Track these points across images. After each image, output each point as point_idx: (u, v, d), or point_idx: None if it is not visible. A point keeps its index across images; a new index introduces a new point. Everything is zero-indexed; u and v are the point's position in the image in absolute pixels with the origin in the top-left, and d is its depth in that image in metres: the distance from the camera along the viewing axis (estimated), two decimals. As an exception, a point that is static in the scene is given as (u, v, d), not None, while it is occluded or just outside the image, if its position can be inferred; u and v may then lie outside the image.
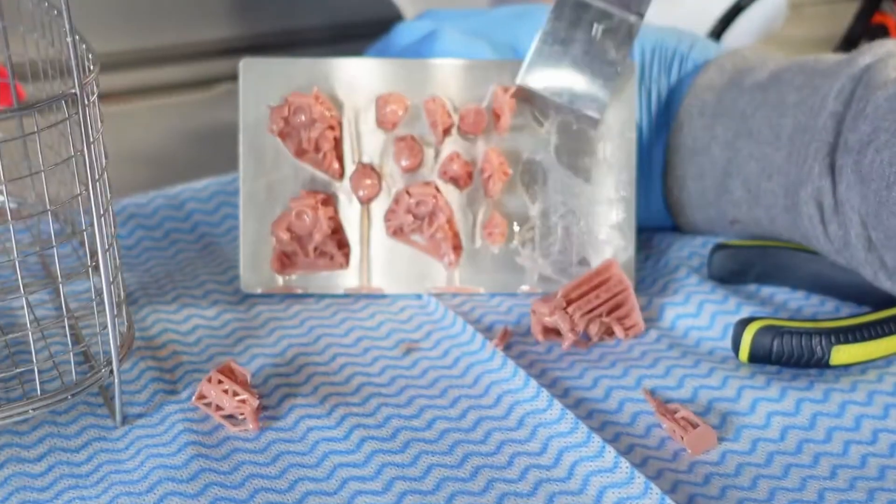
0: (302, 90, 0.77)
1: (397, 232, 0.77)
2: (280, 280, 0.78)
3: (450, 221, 0.77)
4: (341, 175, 0.78)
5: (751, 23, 1.03)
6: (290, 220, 0.76)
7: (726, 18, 0.97)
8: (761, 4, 1.03)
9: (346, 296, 0.78)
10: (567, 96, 0.76)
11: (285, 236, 0.77)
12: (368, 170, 0.78)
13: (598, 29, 0.75)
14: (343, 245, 0.78)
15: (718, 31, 0.97)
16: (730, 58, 0.81)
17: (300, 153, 0.77)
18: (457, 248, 0.77)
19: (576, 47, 0.76)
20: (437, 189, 0.77)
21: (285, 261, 0.78)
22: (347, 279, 0.78)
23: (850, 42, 0.95)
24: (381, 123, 0.77)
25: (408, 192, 0.76)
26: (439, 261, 0.77)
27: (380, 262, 0.78)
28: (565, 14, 0.76)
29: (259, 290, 0.78)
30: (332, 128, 0.77)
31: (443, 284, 0.78)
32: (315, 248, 0.77)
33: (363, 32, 0.96)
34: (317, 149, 0.77)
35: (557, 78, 0.76)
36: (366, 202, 0.78)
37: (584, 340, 0.74)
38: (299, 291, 0.78)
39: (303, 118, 0.76)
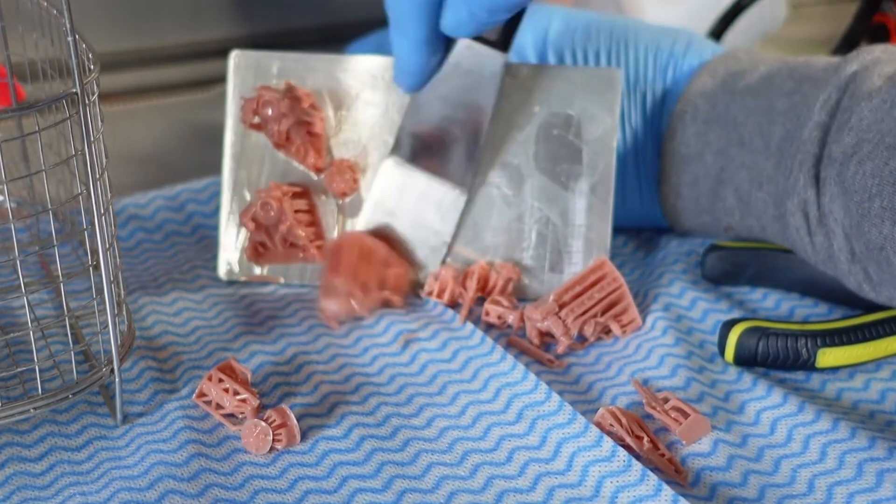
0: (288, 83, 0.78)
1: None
2: (256, 269, 0.78)
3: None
4: (319, 169, 0.78)
5: (751, 22, 1.03)
6: (255, 211, 0.77)
7: (726, 18, 0.97)
8: (761, 4, 1.03)
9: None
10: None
11: (251, 226, 0.77)
12: (345, 166, 0.78)
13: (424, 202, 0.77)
14: (318, 238, 0.78)
15: (718, 31, 0.97)
16: (722, 61, 0.80)
17: (278, 145, 0.78)
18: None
19: (403, 219, 0.77)
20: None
21: (260, 250, 0.78)
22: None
23: (850, 42, 0.95)
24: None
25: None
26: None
27: None
28: (391, 184, 0.77)
29: (231, 279, 0.78)
30: (306, 122, 0.77)
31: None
32: (284, 240, 0.78)
33: (362, 33, 0.96)
34: (289, 142, 0.77)
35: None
36: (340, 197, 0.78)
37: (580, 342, 0.74)
38: (281, 280, 0.78)
39: (270, 111, 0.77)
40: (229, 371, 0.68)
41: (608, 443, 0.63)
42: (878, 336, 0.70)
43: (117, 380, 0.65)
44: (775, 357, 0.70)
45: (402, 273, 0.77)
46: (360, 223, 0.78)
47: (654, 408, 0.66)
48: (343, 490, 0.62)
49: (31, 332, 0.64)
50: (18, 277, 0.64)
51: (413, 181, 0.77)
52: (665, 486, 0.60)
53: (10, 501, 0.62)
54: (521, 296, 0.77)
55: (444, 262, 0.77)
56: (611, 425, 0.65)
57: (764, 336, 0.70)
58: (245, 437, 0.65)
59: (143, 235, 0.84)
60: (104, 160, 0.64)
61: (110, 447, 0.65)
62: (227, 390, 0.67)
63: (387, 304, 0.75)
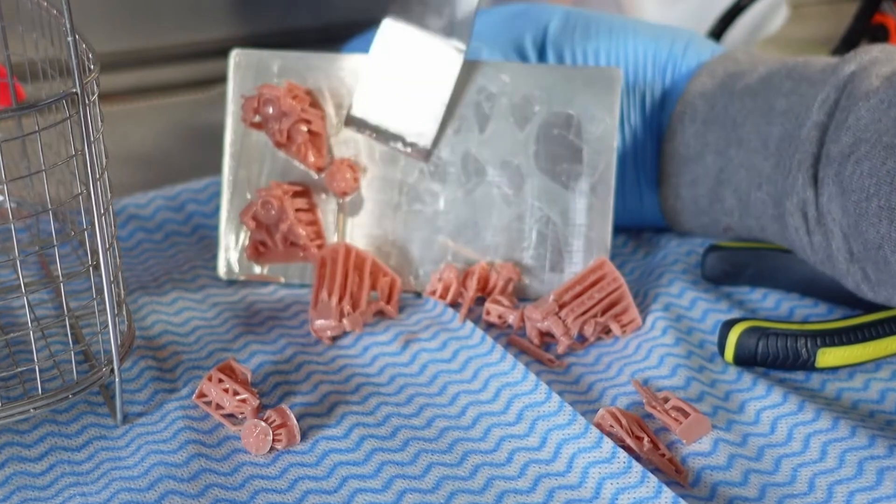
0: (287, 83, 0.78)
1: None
2: (256, 268, 0.78)
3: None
4: (320, 168, 0.78)
5: (751, 22, 1.03)
6: (256, 210, 0.77)
7: (726, 18, 0.97)
8: (761, 4, 1.03)
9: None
10: (395, 127, 0.77)
11: (251, 224, 0.77)
12: (345, 165, 0.78)
13: (423, 61, 0.76)
14: (318, 237, 0.78)
15: (718, 31, 0.97)
16: (721, 62, 0.80)
17: (279, 144, 0.78)
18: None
19: (402, 80, 0.77)
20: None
21: (261, 249, 0.78)
22: None
23: (850, 42, 0.95)
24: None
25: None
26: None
27: None
28: (391, 44, 0.77)
29: (231, 278, 0.79)
30: (307, 121, 0.77)
31: (409, 286, 0.78)
32: (285, 239, 0.78)
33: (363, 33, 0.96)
34: (290, 140, 0.78)
35: (386, 109, 0.77)
36: (341, 196, 0.78)
37: (580, 342, 0.73)
38: (281, 280, 0.78)
39: (271, 110, 0.77)
40: (229, 371, 0.68)
41: (608, 444, 0.63)
42: (878, 336, 0.70)
43: (117, 380, 0.65)
44: (775, 357, 0.70)
45: (394, 281, 0.77)
46: (360, 91, 0.77)
47: (654, 407, 0.66)
48: (343, 490, 0.62)
49: (31, 332, 0.64)
50: (18, 277, 0.64)
51: (411, 40, 0.76)
52: (665, 488, 0.60)
53: (10, 501, 0.62)
54: (521, 295, 0.77)
55: (437, 136, 0.77)
56: (611, 426, 0.65)
57: (764, 336, 0.70)
58: (245, 438, 0.65)
59: (143, 235, 0.84)
60: (104, 160, 0.64)
61: (110, 447, 0.65)
62: (227, 390, 0.67)
63: (380, 314, 0.75)
